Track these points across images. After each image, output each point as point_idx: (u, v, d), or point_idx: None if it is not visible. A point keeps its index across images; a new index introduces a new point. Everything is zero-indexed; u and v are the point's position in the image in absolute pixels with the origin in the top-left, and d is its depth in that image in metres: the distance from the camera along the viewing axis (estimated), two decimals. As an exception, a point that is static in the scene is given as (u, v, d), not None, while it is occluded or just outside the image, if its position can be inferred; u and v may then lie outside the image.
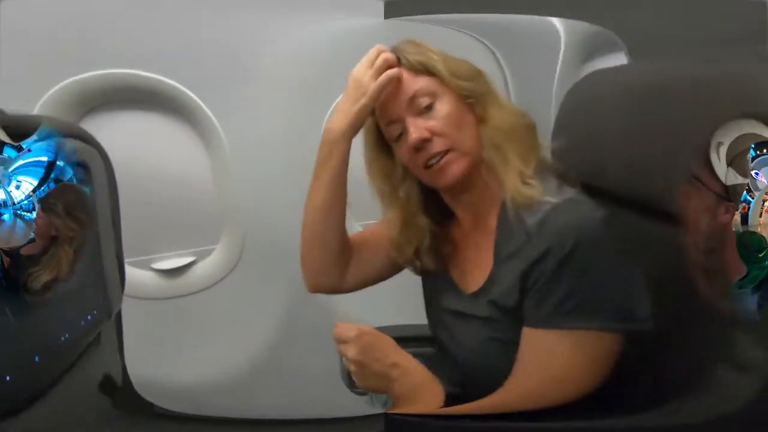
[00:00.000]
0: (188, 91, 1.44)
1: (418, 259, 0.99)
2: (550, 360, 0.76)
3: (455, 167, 0.87)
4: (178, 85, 1.43)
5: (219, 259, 1.63)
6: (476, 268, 0.90)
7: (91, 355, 0.97)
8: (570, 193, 0.81)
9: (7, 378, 0.74)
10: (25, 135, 0.80)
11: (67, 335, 0.88)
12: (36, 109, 1.37)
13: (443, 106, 0.88)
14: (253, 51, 1.45)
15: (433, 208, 0.98)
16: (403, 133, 0.89)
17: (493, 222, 0.88)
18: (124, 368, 1.14)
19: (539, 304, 0.76)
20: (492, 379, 0.83)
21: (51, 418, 0.86)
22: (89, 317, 0.94)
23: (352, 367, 0.88)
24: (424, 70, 0.90)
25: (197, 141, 1.53)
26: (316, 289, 1.11)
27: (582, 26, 1.57)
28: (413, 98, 0.89)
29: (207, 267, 1.64)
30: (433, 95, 0.89)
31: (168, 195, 1.58)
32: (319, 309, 1.63)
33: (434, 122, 0.87)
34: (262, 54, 1.45)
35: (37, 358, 0.81)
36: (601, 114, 0.98)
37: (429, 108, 0.88)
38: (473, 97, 0.90)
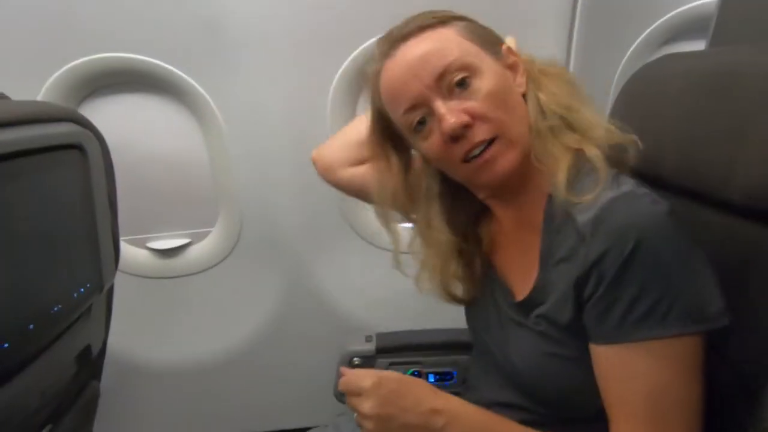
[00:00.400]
0: (183, 74, 1.43)
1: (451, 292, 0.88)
2: (633, 378, 0.64)
3: (505, 159, 0.71)
4: (171, 67, 1.43)
5: (215, 243, 1.64)
6: (522, 273, 0.78)
7: (79, 325, 1.02)
8: (628, 184, 0.67)
9: (6, 345, 0.78)
10: (30, 119, 0.85)
11: (60, 306, 0.92)
12: (40, 96, 1.40)
13: (483, 81, 0.71)
14: (244, 27, 1.41)
15: (461, 214, 0.86)
16: (427, 120, 0.73)
17: (538, 218, 0.74)
18: (105, 341, 1.19)
19: (602, 316, 0.64)
20: (552, 391, 0.74)
21: (34, 386, 0.91)
22: (82, 290, 0.98)
23: (368, 425, 0.70)
24: (453, 36, 0.72)
25: (194, 123, 1.53)
26: (315, 159, 1.08)
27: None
28: (443, 74, 0.70)
29: (203, 249, 1.66)
30: (469, 68, 0.71)
31: (166, 176, 1.59)
32: (315, 297, 1.66)
33: (473, 103, 0.70)
34: (253, 30, 1.41)
35: (31, 326, 0.85)
36: (665, 97, 0.89)
37: (463, 84, 0.71)
38: (515, 67, 0.76)
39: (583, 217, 0.66)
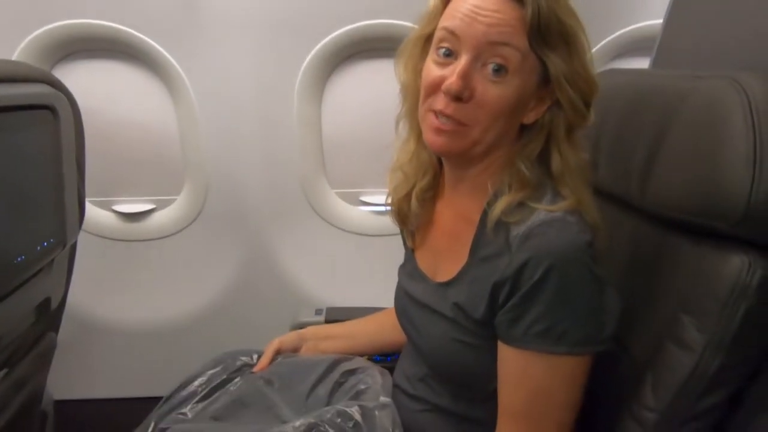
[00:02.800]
0: (157, 45, 1.46)
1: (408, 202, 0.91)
2: (526, 378, 0.73)
3: (451, 141, 0.74)
4: (146, 38, 1.45)
5: (178, 211, 1.68)
6: (450, 258, 0.84)
7: (40, 278, 1.07)
8: (564, 208, 0.72)
9: None
10: (3, 78, 0.88)
11: (23, 257, 0.96)
12: (15, 56, 1.42)
13: (511, 86, 0.71)
14: (221, 4, 1.44)
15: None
16: (450, 53, 0.73)
17: (477, 215, 0.79)
18: (64, 296, 1.24)
19: (511, 323, 0.72)
20: (458, 373, 0.83)
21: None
22: (45, 244, 1.03)
23: None
24: (542, 34, 0.69)
25: (166, 93, 1.56)
26: None
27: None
28: (494, 45, 0.69)
29: (166, 216, 1.69)
30: (517, 67, 0.70)
31: (135, 143, 1.62)
32: (272, 269, 1.71)
33: (487, 89, 0.71)
34: (230, 8, 1.44)
35: (-7, 274, 0.89)
36: (604, 109, 0.92)
37: (498, 71, 0.70)
38: (573, 119, 0.74)
39: (515, 230, 0.72)
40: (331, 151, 1.66)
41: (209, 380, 1.01)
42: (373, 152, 1.65)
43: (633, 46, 1.59)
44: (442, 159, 0.86)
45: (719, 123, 0.69)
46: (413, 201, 0.90)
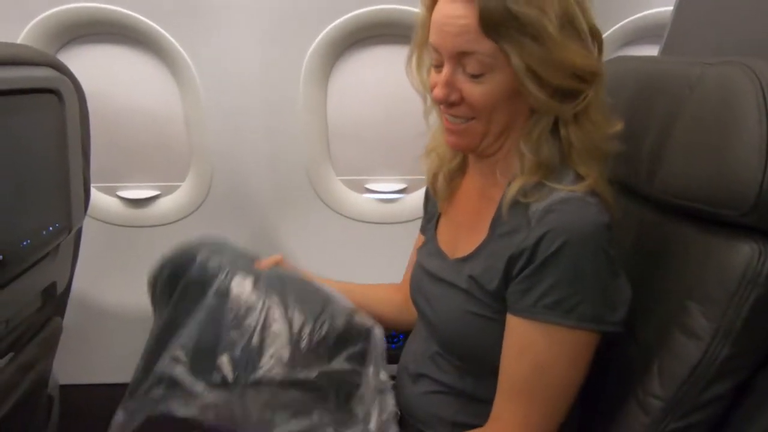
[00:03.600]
0: (163, 30, 1.46)
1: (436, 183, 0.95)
2: (529, 348, 0.74)
3: (462, 139, 0.80)
4: (152, 23, 1.44)
5: (183, 197, 1.68)
6: (470, 234, 0.85)
7: (46, 262, 1.07)
8: (583, 189, 0.74)
9: None
10: (9, 61, 0.88)
11: (29, 241, 0.97)
12: (20, 39, 1.41)
13: (493, 82, 0.73)
14: None
15: None
16: (439, 63, 0.77)
17: (499, 193, 0.81)
18: (70, 280, 1.24)
19: (522, 294, 0.73)
20: (468, 347, 0.84)
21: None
22: (51, 228, 1.04)
23: None
24: (496, 30, 0.69)
25: (171, 79, 1.55)
26: None
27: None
28: (463, 55, 0.73)
29: (171, 203, 1.69)
30: (491, 68, 0.73)
31: (141, 129, 1.61)
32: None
33: (472, 89, 0.74)
34: None
35: (0, 257, 0.90)
36: (613, 96, 0.90)
37: (475, 76, 0.74)
38: (541, 108, 0.75)
39: (535, 206, 0.74)
40: (337, 138, 1.65)
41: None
42: (380, 140, 1.65)
43: (642, 33, 1.57)
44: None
45: (730, 110, 0.69)
46: (440, 180, 0.94)
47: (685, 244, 0.77)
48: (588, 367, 0.76)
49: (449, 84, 0.75)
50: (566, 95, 0.74)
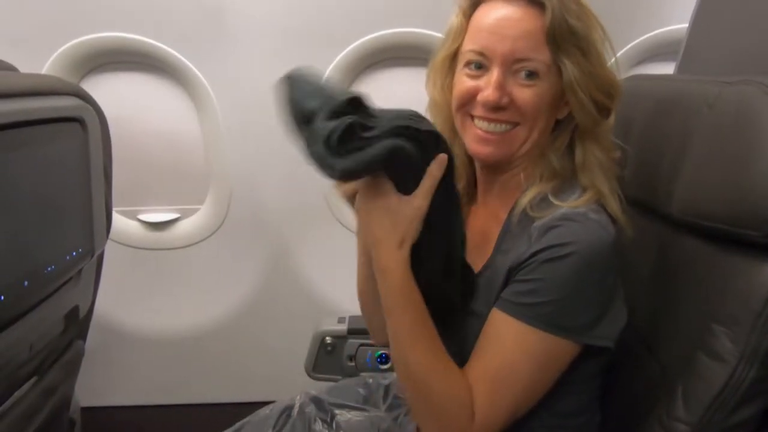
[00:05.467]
0: (182, 57, 1.49)
1: None
2: (499, 342, 0.74)
3: (500, 148, 0.79)
4: (171, 50, 1.48)
5: (203, 220, 1.70)
6: (478, 255, 0.84)
7: (69, 287, 1.09)
8: (586, 203, 0.74)
9: (2, 297, 0.84)
10: (35, 92, 0.91)
11: (53, 266, 0.98)
12: (45, 69, 1.45)
13: (542, 88, 0.76)
14: (243, 15, 1.46)
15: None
16: (481, 67, 0.77)
17: (505, 213, 0.82)
18: (92, 304, 1.25)
19: (509, 288, 0.74)
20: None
21: (24, 339, 0.97)
22: (74, 253, 1.05)
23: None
24: (557, 42, 0.73)
25: (190, 104, 1.58)
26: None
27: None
28: (519, 60, 0.75)
29: (191, 225, 1.71)
30: (544, 74, 0.75)
31: (160, 153, 1.65)
32: (294, 277, 1.72)
33: (523, 93, 0.75)
34: (253, 18, 1.46)
35: (26, 283, 0.91)
36: (629, 115, 0.96)
37: (529, 76, 0.75)
38: (582, 120, 0.77)
39: (538, 222, 0.74)
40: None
41: None
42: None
43: (658, 50, 1.57)
44: (477, 164, 0.89)
45: (750, 129, 0.68)
46: None
47: (707, 264, 0.76)
48: (558, 374, 0.74)
49: (501, 86, 0.75)
50: (599, 110, 0.77)
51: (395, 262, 0.71)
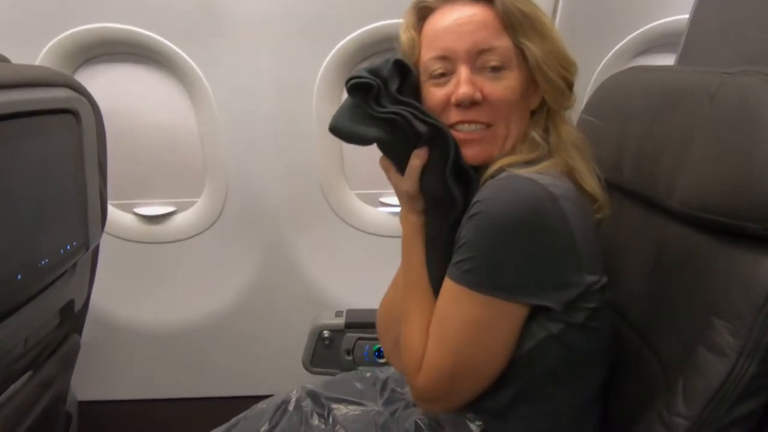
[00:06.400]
0: (177, 48, 1.47)
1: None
2: (441, 300, 0.77)
3: (483, 148, 0.79)
4: (166, 41, 1.46)
5: (199, 213, 1.69)
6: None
7: (64, 280, 1.08)
8: (547, 174, 0.73)
9: None
10: (28, 83, 0.90)
11: (47, 260, 0.98)
12: (38, 60, 1.44)
13: (511, 78, 0.77)
14: (240, 6, 1.45)
15: None
16: (446, 75, 0.78)
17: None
18: (87, 297, 1.25)
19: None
20: None
21: (19, 333, 0.97)
22: (69, 247, 1.04)
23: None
24: (514, 27, 0.76)
25: (186, 97, 1.57)
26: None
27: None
28: (482, 52, 0.76)
29: (187, 219, 1.71)
30: (508, 63, 0.77)
31: (156, 146, 1.64)
32: (291, 271, 1.71)
33: (493, 86, 0.76)
34: (249, 9, 1.45)
35: (19, 276, 0.91)
36: (628, 107, 0.97)
37: (495, 70, 0.76)
38: (554, 99, 0.80)
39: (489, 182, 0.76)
40: (351, 153, 1.66)
41: None
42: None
43: (658, 41, 1.56)
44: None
45: (751, 120, 0.68)
46: None
47: (708, 257, 0.75)
48: (508, 334, 0.74)
49: (472, 81, 0.76)
50: (567, 86, 0.81)
51: (405, 223, 0.86)
